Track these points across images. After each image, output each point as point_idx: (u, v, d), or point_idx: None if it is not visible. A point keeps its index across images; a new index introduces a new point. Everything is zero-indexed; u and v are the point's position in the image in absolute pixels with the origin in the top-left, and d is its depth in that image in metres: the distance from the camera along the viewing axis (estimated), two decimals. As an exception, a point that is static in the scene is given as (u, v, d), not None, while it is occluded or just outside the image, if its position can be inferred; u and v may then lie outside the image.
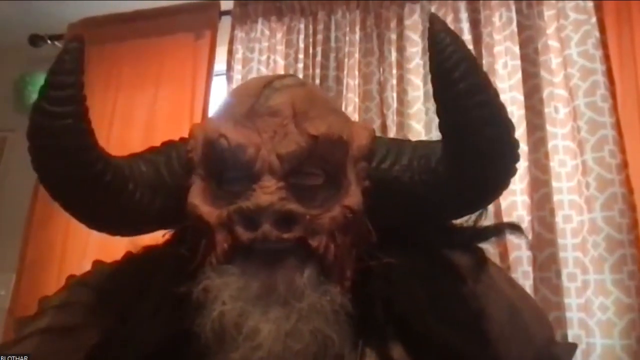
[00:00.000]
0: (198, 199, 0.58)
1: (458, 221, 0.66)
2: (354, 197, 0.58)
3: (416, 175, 0.59)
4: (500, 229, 0.70)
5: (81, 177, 0.56)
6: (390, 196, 0.60)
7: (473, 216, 0.66)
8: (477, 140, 0.54)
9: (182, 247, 0.59)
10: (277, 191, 0.54)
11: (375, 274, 0.58)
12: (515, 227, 0.70)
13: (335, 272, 0.55)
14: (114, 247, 0.67)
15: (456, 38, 0.54)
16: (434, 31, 0.53)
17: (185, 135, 0.66)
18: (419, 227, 0.64)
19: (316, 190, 0.57)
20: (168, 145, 0.65)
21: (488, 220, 0.67)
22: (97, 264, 0.69)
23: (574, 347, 0.73)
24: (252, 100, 0.59)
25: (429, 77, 1.77)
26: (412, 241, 0.62)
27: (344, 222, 0.56)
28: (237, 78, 1.88)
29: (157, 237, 0.66)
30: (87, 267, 0.69)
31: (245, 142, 0.56)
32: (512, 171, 0.59)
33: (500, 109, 0.55)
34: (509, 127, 0.56)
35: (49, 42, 2.18)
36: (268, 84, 0.61)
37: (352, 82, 1.75)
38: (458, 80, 0.52)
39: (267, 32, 1.93)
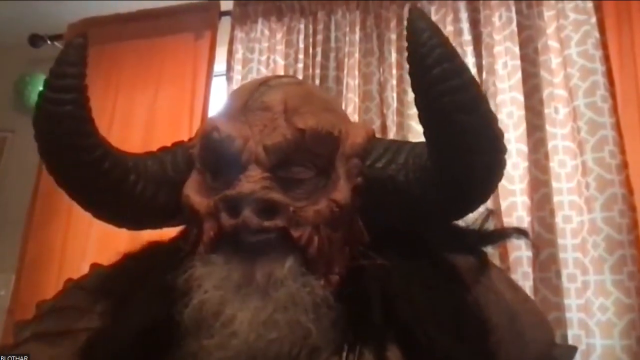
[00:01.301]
0: (191, 190, 0.60)
1: (463, 224, 0.65)
2: (341, 192, 0.58)
3: (410, 173, 0.59)
4: (505, 234, 0.70)
5: (79, 162, 0.58)
6: (386, 195, 0.60)
7: (479, 219, 0.65)
8: (451, 129, 0.53)
9: (182, 241, 0.60)
10: (261, 180, 0.55)
11: (369, 273, 0.58)
12: (521, 232, 0.70)
13: (320, 265, 0.56)
14: (114, 248, 0.67)
15: (432, 26, 0.53)
16: (411, 19, 0.53)
17: (186, 135, 0.67)
18: (423, 230, 0.63)
19: (303, 183, 0.58)
20: (177, 144, 0.68)
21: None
22: (94, 267, 0.69)
23: (573, 349, 0.73)
24: (248, 96, 0.61)
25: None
26: (415, 244, 0.62)
27: (330, 215, 0.57)
28: (237, 78, 1.88)
29: (160, 234, 0.67)
30: (87, 267, 0.69)
31: (234, 134, 0.58)
32: (496, 163, 0.57)
33: (477, 96, 0.53)
34: (487, 115, 0.54)
35: (48, 42, 2.18)
36: (265, 82, 0.63)
37: (352, 82, 1.76)
38: (431, 66, 0.51)
39: (267, 33, 1.93)
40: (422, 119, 0.55)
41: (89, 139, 0.58)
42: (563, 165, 1.50)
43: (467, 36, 1.67)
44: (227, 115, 0.61)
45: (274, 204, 0.54)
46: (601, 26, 1.55)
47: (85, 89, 0.57)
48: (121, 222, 0.65)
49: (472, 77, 0.54)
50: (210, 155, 0.60)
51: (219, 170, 0.60)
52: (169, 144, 0.69)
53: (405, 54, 1.75)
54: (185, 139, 0.69)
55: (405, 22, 1.82)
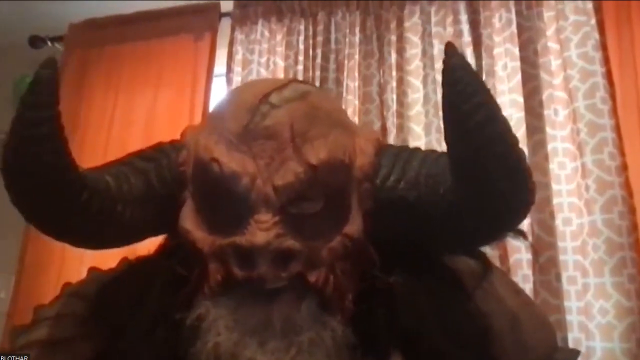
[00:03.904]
0: (190, 223, 0.57)
1: None
2: (354, 225, 0.56)
3: (423, 195, 0.56)
4: None
5: (67, 211, 0.54)
6: (395, 214, 0.57)
7: None
8: (490, 192, 0.51)
9: (175, 261, 0.57)
10: (273, 227, 0.52)
11: (378, 292, 0.56)
12: (518, 232, 0.70)
13: (335, 300, 0.54)
14: (113, 252, 0.67)
15: (475, 76, 0.50)
16: (451, 66, 0.49)
17: None
18: (424, 240, 0.61)
19: (314, 218, 0.55)
20: (159, 150, 0.62)
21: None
22: (92, 271, 0.68)
23: (576, 353, 0.73)
24: (247, 118, 0.55)
25: (429, 79, 1.77)
26: (416, 253, 0.60)
27: (344, 251, 0.55)
28: (237, 80, 1.88)
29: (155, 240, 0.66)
30: (86, 270, 0.69)
31: (239, 171, 0.54)
32: (525, 214, 0.56)
33: (519, 158, 0.52)
34: (525, 176, 0.52)
35: (49, 43, 2.18)
36: (265, 97, 0.57)
37: (352, 84, 1.75)
38: (475, 128, 0.48)
39: (267, 34, 1.92)
40: (457, 174, 0.53)
41: (73, 186, 0.53)
42: (563, 167, 1.50)
43: (466, 37, 1.67)
44: (225, 141, 0.55)
45: (290, 252, 0.52)
46: (601, 27, 1.55)
47: (62, 131, 0.51)
48: (111, 247, 0.61)
49: (514, 137, 0.51)
50: (209, 188, 0.56)
51: (219, 205, 0.56)
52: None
53: (405, 55, 1.73)
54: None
55: (405, 24, 1.81)
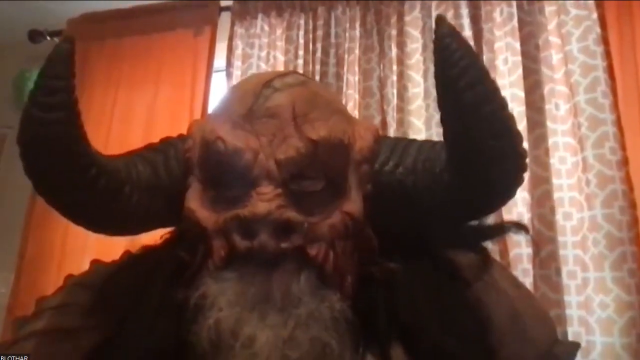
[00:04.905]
0: (195, 203, 0.58)
1: None
2: (354, 203, 0.57)
3: (419, 179, 0.57)
4: (504, 228, 0.69)
5: (74, 184, 0.55)
6: (393, 200, 0.58)
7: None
8: (480, 155, 0.52)
9: (181, 249, 0.58)
10: (275, 198, 0.53)
11: (378, 279, 0.57)
12: (520, 227, 0.69)
13: (335, 278, 0.55)
14: (114, 246, 0.67)
15: (463, 43, 0.51)
16: (440, 34, 0.50)
17: (185, 131, 0.65)
18: (426, 231, 0.62)
19: (316, 196, 0.56)
20: (166, 142, 0.64)
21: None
22: (95, 263, 0.68)
23: (576, 346, 0.73)
24: (251, 101, 0.58)
25: (430, 73, 1.77)
26: (415, 243, 0.61)
27: (344, 229, 0.55)
28: (237, 74, 1.88)
29: (158, 235, 0.66)
30: (87, 265, 0.69)
31: (242, 147, 0.55)
32: (519, 182, 0.57)
33: (508, 120, 0.53)
34: (515, 138, 0.54)
35: (48, 38, 2.17)
36: (268, 82, 0.59)
37: (352, 79, 1.75)
38: (464, 89, 0.50)
39: (266, 28, 1.92)
40: (448, 138, 0.54)
41: (83, 159, 0.54)
42: (563, 161, 1.50)
43: (467, 32, 1.66)
44: (229, 122, 0.57)
45: (290, 223, 0.53)
46: (602, 22, 1.54)
47: (76, 102, 0.53)
48: (117, 232, 0.62)
49: (503, 99, 0.52)
50: (214, 166, 0.58)
51: (223, 182, 0.57)
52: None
53: (405, 49, 1.74)
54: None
55: (405, 18, 1.81)
